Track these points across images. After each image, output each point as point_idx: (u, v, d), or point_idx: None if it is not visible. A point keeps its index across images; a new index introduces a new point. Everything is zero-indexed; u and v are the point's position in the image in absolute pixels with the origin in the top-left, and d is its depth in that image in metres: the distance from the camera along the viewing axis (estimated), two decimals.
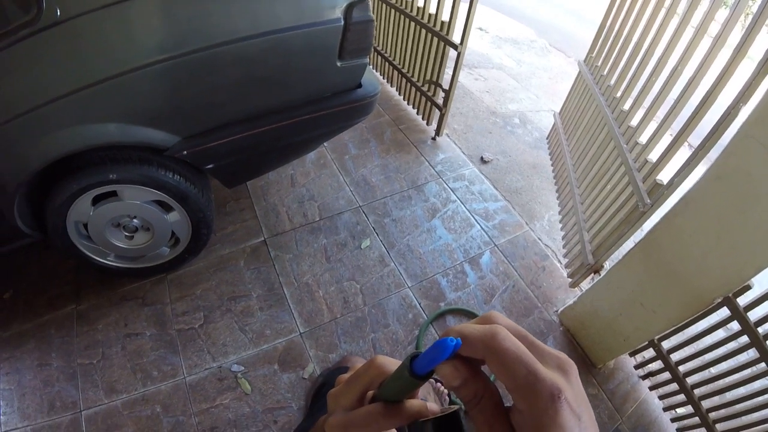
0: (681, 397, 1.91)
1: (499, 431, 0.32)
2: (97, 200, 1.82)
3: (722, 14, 1.87)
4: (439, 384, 1.91)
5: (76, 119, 1.53)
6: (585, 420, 0.30)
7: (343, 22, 1.76)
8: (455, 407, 0.38)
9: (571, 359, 0.33)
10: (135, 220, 1.95)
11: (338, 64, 1.88)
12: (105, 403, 1.83)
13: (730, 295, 1.55)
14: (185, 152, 1.78)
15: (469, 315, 2.29)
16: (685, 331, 1.81)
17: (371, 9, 1.86)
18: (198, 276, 2.29)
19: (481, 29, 6.17)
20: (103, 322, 2.08)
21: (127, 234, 2.00)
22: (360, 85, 2.07)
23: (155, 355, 1.99)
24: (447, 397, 1.90)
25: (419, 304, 2.32)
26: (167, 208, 1.94)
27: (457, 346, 0.32)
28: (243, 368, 1.97)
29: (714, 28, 1.87)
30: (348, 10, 1.76)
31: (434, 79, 3.23)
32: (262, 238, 2.52)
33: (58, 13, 1.36)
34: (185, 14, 1.54)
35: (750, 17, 1.63)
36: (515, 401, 0.30)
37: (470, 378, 0.32)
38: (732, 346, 1.68)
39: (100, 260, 2.06)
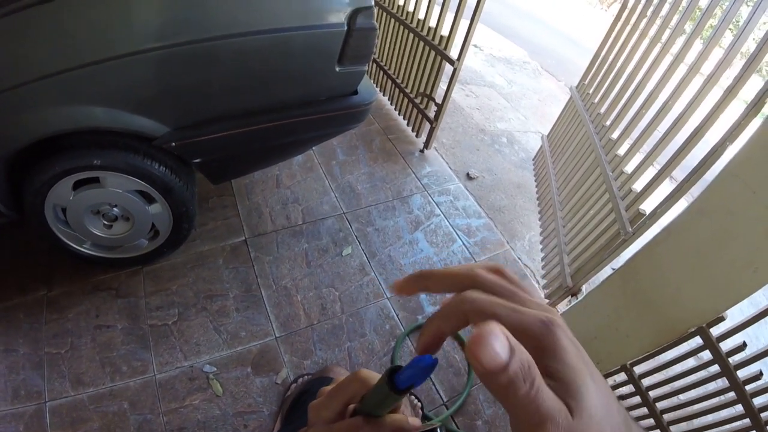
0: (650, 421, 1.93)
1: None
2: (78, 185, 1.77)
3: (716, 54, 1.92)
4: (414, 398, 1.90)
5: (63, 99, 1.49)
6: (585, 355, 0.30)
7: (346, 28, 1.76)
8: (435, 424, 0.38)
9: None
10: (115, 209, 1.90)
11: (337, 69, 1.87)
12: (71, 395, 1.77)
13: (704, 325, 1.58)
14: (174, 144, 1.75)
15: None
16: (658, 357, 1.85)
17: (375, 17, 1.87)
18: (175, 271, 2.25)
19: (475, 46, 6.25)
20: (73, 311, 2.02)
21: (106, 222, 1.95)
22: (356, 92, 2.07)
23: (126, 349, 1.93)
24: (420, 411, 1.89)
25: (397, 315, 2.31)
26: (149, 200, 1.90)
27: (435, 364, 0.32)
28: (215, 369, 1.93)
29: (707, 68, 1.92)
30: (353, 16, 1.75)
31: (428, 92, 3.25)
32: (243, 238, 2.49)
33: None
34: (187, 3, 1.52)
35: (743, 59, 1.68)
36: None
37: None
38: (702, 374, 1.72)
39: (76, 247, 2.00)
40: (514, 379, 0.25)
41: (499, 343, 0.25)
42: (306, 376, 1.94)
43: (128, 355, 1.91)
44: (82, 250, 2.02)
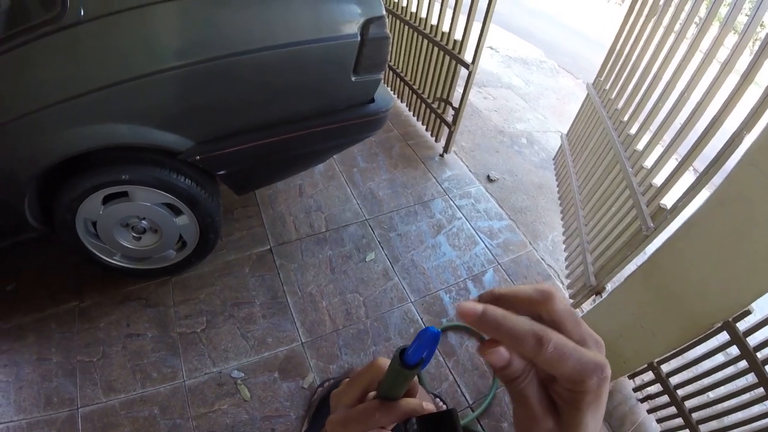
0: (679, 420, 1.90)
1: (545, 402, 0.34)
2: (107, 199, 1.84)
3: (731, 40, 1.90)
4: (439, 400, 1.92)
5: (91, 119, 1.56)
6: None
7: (359, 38, 1.80)
8: (450, 408, 0.40)
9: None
10: (144, 222, 1.97)
11: (353, 78, 1.91)
12: (103, 401, 1.83)
13: (730, 319, 1.56)
14: (198, 157, 1.81)
15: (471, 332, 2.29)
16: (685, 354, 1.82)
17: (388, 26, 1.90)
18: (203, 280, 2.31)
19: (491, 48, 6.25)
20: (105, 321, 2.09)
21: (135, 235, 2.02)
22: (373, 100, 2.11)
23: (156, 356, 2.00)
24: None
25: (421, 319, 2.33)
26: (176, 212, 1.96)
27: (438, 335, 0.34)
28: (243, 374, 1.97)
29: (722, 54, 1.89)
30: (365, 26, 1.79)
31: (445, 96, 3.27)
32: (268, 246, 2.54)
33: (82, 13, 1.40)
34: (204, 22, 1.57)
35: (758, 43, 1.65)
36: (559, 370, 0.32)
37: (515, 356, 0.34)
38: (730, 370, 1.68)
39: (106, 259, 2.08)
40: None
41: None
42: (332, 380, 1.97)
43: (158, 362, 1.97)
44: (113, 261, 2.10)
